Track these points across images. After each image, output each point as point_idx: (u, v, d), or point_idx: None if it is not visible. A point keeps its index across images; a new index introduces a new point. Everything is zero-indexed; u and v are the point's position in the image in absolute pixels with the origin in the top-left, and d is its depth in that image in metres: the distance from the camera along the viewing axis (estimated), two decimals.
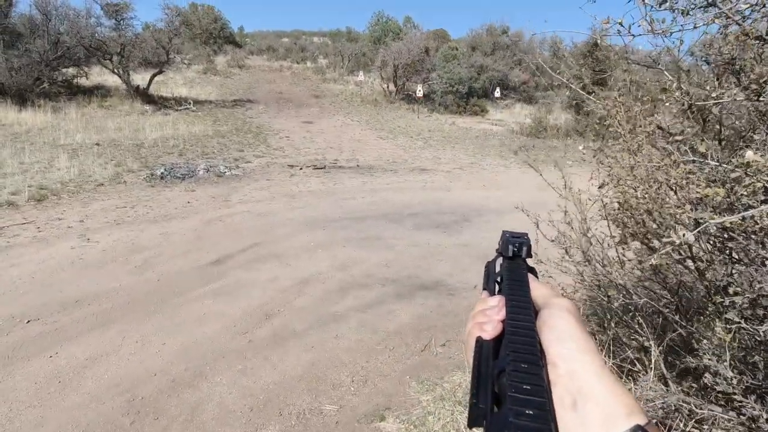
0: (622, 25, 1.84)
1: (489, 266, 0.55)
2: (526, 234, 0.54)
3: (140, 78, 18.50)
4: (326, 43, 42.17)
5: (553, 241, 2.38)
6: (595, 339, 2.65)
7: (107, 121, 13.56)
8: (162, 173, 8.57)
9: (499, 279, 0.51)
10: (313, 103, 20.43)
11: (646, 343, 2.01)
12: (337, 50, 29.79)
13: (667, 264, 1.77)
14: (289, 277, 4.23)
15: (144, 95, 17.42)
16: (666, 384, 2.11)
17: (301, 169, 9.76)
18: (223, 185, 8.08)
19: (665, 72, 2.21)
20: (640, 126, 1.94)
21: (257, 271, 4.33)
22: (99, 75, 19.39)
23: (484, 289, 0.52)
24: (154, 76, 17.89)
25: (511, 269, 0.50)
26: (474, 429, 0.33)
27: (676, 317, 1.93)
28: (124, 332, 3.21)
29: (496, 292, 0.50)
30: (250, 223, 5.85)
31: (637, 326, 2.02)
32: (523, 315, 0.42)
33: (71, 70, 17.21)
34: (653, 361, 1.94)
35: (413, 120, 17.87)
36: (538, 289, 0.47)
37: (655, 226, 1.78)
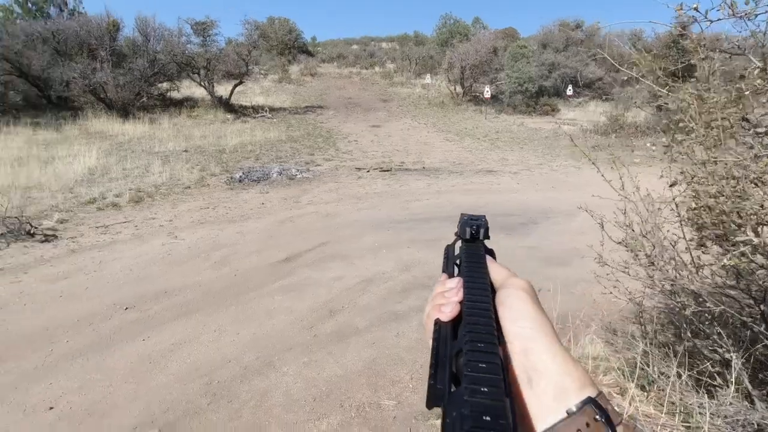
0: (697, 11, 1.71)
1: (448, 249, 0.56)
2: (484, 216, 0.55)
3: (223, 89, 19.88)
4: (394, 48, 42.61)
5: (620, 243, 2.25)
6: (670, 349, 2.47)
7: (194, 129, 14.71)
8: (240, 177, 9.15)
9: (458, 261, 0.51)
10: (381, 107, 20.74)
11: (727, 355, 1.84)
12: (404, 54, 30.00)
13: (749, 268, 1.61)
14: (353, 276, 4.35)
15: (226, 105, 18.70)
16: (751, 401, 1.92)
17: (368, 171, 9.97)
18: (294, 187, 8.47)
19: (752, 58, 2.02)
20: (716, 119, 1.79)
21: (324, 270, 4.50)
22: (188, 88, 21.11)
23: (443, 271, 0.53)
24: (235, 86, 19.14)
25: (469, 252, 0.50)
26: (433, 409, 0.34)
27: (762, 328, 1.75)
28: (204, 322, 3.49)
29: (455, 275, 0.50)
30: (318, 223, 6.08)
31: (716, 337, 1.86)
32: (480, 296, 0.42)
33: (165, 85, 18.91)
34: (734, 375, 1.77)
35: (480, 121, 17.54)
36: (495, 271, 0.48)
37: (734, 227, 1.63)
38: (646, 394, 2.42)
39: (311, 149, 12.45)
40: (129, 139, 13.10)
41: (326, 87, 25.47)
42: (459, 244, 0.54)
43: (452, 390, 0.34)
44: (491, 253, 0.53)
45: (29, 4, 20.67)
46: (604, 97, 21.74)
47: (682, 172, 1.93)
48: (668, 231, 2.27)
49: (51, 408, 2.58)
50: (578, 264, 4.68)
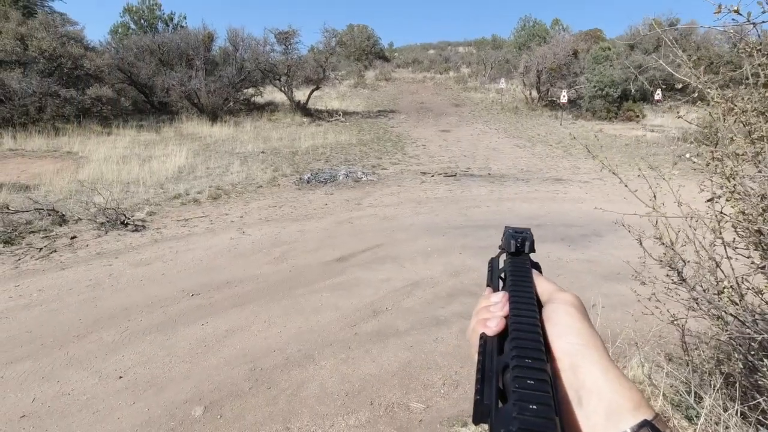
0: (738, 13, 1.57)
1: (492, 262, 0.55)
2: (529, 229, 0.53)
3: (301, 94, 20.89)
4: (471, 52, 42.04)
5: (660, 261, 2.10)
6: (720, 374, 2.25)
7: (272, 132, 15.60)
8: (308, 178, 9.57)
9: (502, 275, 0.51)
10: (452, 112, 20.58)
11: None
12: (479, 58, 29.50)
13: None
14: (401, 278, 4.41)
15: (303, 109, 19.62)
16: None
17: (432, 176, 9.97)
18: (358, 190, 8.70)
19: None
20: (758, 129, 1.62)
21: (374, 271, 4.61)
22: (270, 93, 22.44)
23: (488, 285, 0.52)
24: (312, 91, 20.02)
25: (515, 265, 0.49)
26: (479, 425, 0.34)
27: None
28: (257, 312, 3.74)
29: (500, 288, 0.49)
30: (376, 225, 6.21)
31: (766, 369, 1.66)
32: (526, 310, 0.41)
33: (250, 90, 20.28)
34: None
35: (555, 127, 16.79)
36: (542, 285, 0.46)
37: None
38: (694, 426, 2.22)
39: (379, 153, 12.68)
40: (215, 141, 14.19)
41: (399, 92, 25.77)
42: (504, 257, 0.53)
43: (499, 406, 0.33)
44: (537, 266, 0.52)
45: (142, 21, 23.18)
46: (697, 102, 19.81)
47: (722, 187, 1.76)
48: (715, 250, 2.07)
49: (120, 377, 2.92)
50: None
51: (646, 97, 19.81)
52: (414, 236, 5.74)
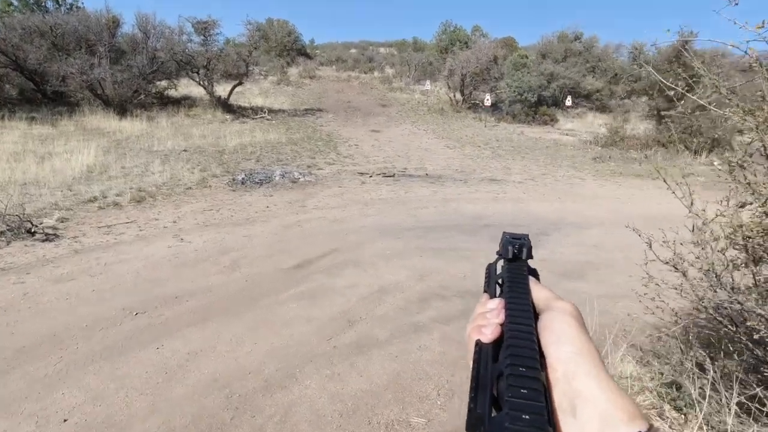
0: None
1: (490, 268, 0.54)
2: (527, 235, 0.53)
3: (221, 89, 19.74)
4: (392, 53, 42.71)
5: (667, 263, 2.20)
6: (715, 370, 2.42)
7: (193, 129, 14.55)
8: (242, 179, 9.03)
9: (500, 281, 0.50)
10: (380, 112, 20.72)
11: None
12: (403, 60, 30.06)
13: None
14: (367, 284, 4.27)
15: (225, 105, 18.55)
16: None
17: (370, 176, 9.90)
18: (298, 191, 8.37)
19: None
20: None
21: (337, 277, 4.42)
22: (186, 87, 20.93)
23: (484, 291, 0.51)
24: (234, 87, 19.00)
25: (512, 271, 0.49)
26: None
27: None
28: (219, 330, 3.39)
29: (497, 295, 0.49)
30: (326, 229, 5.99)
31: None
32: (522, 318, 0.41)
33: (163, 83, 18.72)
34: None
35: (480, 129, 17.59)
36: (539, 292, 0.46)
37: None
38: (684, 417, 2.37)
39: (312, 152, 12.36)
40: (127, 137, 12.91)
41: (325, 90, 25.41)
42: (501, 263, 0.53)
43: (492, 415, 0.33)
44: (534, 273, 0.51)
45: None
46: (602, 109, 21.95)
47: (754, 193, 1.89)
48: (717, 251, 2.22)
49: (65, 420, 2.46)
50: (595, 278, 4.66)
51: (557, 103, 21.51)
52: (369, 239, 5.62)
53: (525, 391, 0.33)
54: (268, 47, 30.33)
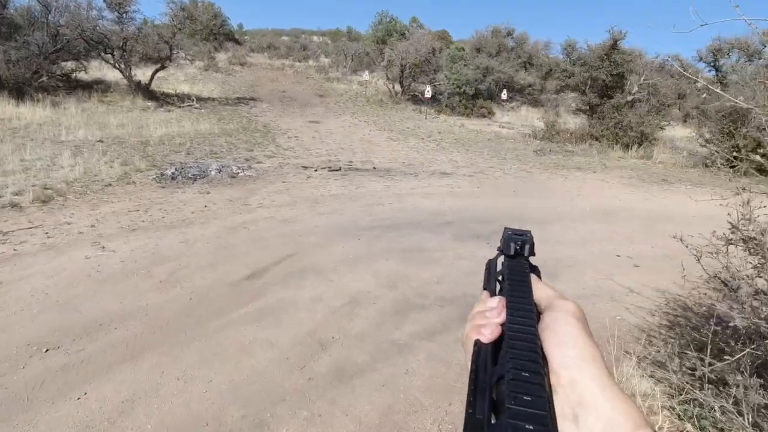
0: None
1: (490, 264, 0.52)
2: (529, 231, 0.51)
3: (141, 73, 17.91)
4: (326, 42, 41.66)
5: (715, 277, 1.94)
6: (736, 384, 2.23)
7: (109, 117, 13.00)
8: (173, 173, 8.05)
9: (500, 278, 0.49)
10: (318, 103, 19.94)
11: None
12: (339, 49, 29.28)
13: None
14: (334, 296, 3.77)
15: (146, 91, 16.84)
16: None
17: (315, 170, 9.30)
18: (238, 187, 7.59)
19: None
20: None
21: (298, 289, 3.86)
22: (98, 70, 18.75)
23: (484, 288, 0.49)
24: (156, 71, 17.30)
25: (513, 268, 0.47)
26: None
27: None
28: (161, 365, 2.73)
29: (497, 292, 0.47)
30: (277, 230, 5.37)
31: None
32: (524, 318, 0.39)
33: (70, 64, 16.55)
34: None
35: (421, 121, 17.45)
36: (541, 290, 0.44)
37: None
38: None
39: (249, 144, 11.46)
40: (26, 125, 11.21)
41: (257, 78, 24.05)
42: (501, 259, 0.50)
43: (492, 421, 0.31)
44: (536, 270, 0.49)
45: None
46: (534, 103, 22.78)
47: None
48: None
49: None
50: (567, 277, 4.50)
51: (492, 96, 21.98)
52: (326, 241, 5.09)
53: (529, 398, 0.31)
54: (192, 30, 28.15)
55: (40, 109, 12.87)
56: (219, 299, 3.59)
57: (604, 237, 5.82)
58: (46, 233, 5.00)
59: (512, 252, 0.49)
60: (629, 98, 12.71)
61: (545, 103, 22.43)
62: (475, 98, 20.04)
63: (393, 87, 20.88)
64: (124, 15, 15.70)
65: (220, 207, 6.33)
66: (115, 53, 16.07)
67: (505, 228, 0.53)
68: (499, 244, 0.51)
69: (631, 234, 6.00)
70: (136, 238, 4.94)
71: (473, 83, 19.55)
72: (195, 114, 15.23)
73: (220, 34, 32.25)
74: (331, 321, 3.35)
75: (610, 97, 13.07)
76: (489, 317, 0.41)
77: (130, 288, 3.72)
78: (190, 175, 8.11)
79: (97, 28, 15.28)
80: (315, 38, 45.18)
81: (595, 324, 3.12)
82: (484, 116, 19.42)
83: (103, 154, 8.96)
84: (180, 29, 16.83)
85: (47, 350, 2.84)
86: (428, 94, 17.60)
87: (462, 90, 19.09)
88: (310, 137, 13.22)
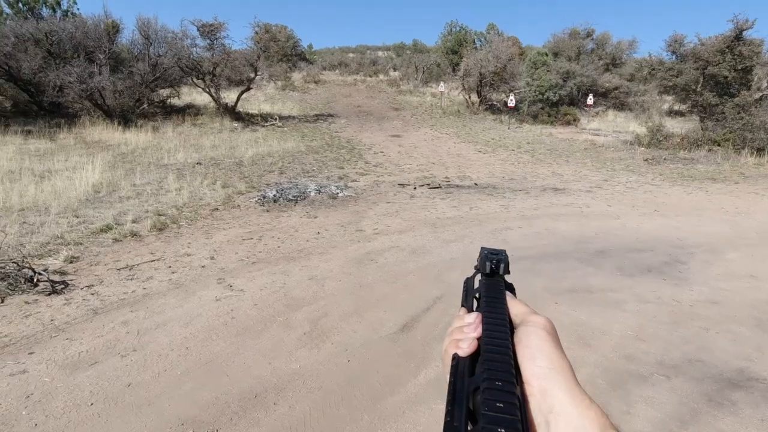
0: None
1: (468, 282, 0.54)
2: (504, 251, 0.52)
3: (225, 96, 18.36)
4: (390, 56, 41.52)
5: None
6: None
7: (202, 138, 13.21)
8: (274, 196, 7.67)
9: (477, 295, 0.49)
10: (394, 116, 19.42)
11: None
12: (409, 62, 28.79)
13: None
14: None
15: (232, 112, 17.15)
16: None
17: (415, 188, 8.60)
18: (342, 209, 7.04)
19: None
20: None
21: None
22: (188, 95, 19.50)
23: (462, 305, 0.51)
24: (242, 93, 17.59)
25: (489, 286, 0.49)
26: None
27: None
28: None
29: (474, 309, 0.48)
30: (409, 264, 4.66)
31: None
32: (498, 332, 0.41)
33: (166, 91, 17.27)
34: None
35: (504, 131, 16.34)
36: (515, 307, 0.45)
37: None
38: None
39: (338, 162, 11.02)
40: (132, 150, 11.52)
41: (332, 95, 24.06)
42: (478, 277, 0.52)
43: (469, 429, 0.32)
44: (511, 288, 0.51)
45: (20, 4, 18.81)
46: (620, 107, 20.86)
47: None
48: None
49: None
50: None
51: (573, 102, 20.35)
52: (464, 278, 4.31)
53: (501, 405, 0.32)
54: (270, 52, 28.96)
55: (143, 134, 13.32)
56: (382, 362, 2.90)
57: None
58: (170, 267, 4.64)
59: (488, 270, 0.50)
60: (757, 95, 10.88)
61: (633, 106, 20.44)
62: (557, 105, 18.60)
63: (469, 97, 19.92)
64: (215, 41, 16.09)
65: (333, 234, 5.76)
66: (205, 78, 16.51)
67: (482, 247, 0.53)
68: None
69: None
70: (260, 273, 4.43)
71: (556, 89, 18.15)
72: (279, 132, 15.21)
73: (294, 55, 32.99)
74: None
75: (731, 96, 11.28)
76: (466, 332, 0.42)
77: (274, 343, 3.13)
78: (290, 197, 7.71)
79: (191, 55, 15.75)
80: (380, 53, 45.29)
81: None
82: (569, 123, 17.92)
83: (203, 177, 8.83)
84: (264, 51, 17.04)
85: None
86: (511, 103, 16.46)
87: (545, 96, 17.75)
88: (395, 152, 12.62)
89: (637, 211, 6.61)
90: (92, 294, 4.00)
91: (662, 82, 12.67)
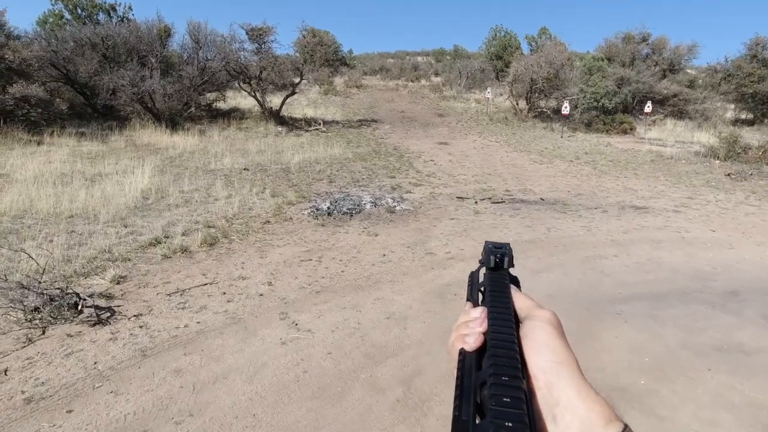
0: None
1: (473, 276, 0.53)
2: (508, 244, 0.51)
3: (270, 99, 18.05)
4: (430, 62, 40.74)
5: None
6: None
7: (248, 143, 12.84)
8: (328, 208, 7.05)
9: (482, 289, 0.49)
10: (439, 122, 18.62)
11: None
12: (452, 67, 27.91)
13: None
14: None
15: (276, 117, 16.81)
16: None
17: (475, 202, 7.80)
18: (403, 226, 6.33)
19: None
20: None
21: None
22: (233, 99, 19.36)
23: (467, 299, 0.50)
24: (286, 97, 17.24)
25: (494, 280, 0.48)
26: None
27: None
28: None
29: (479, 303, 0.47)
30: None
31: None
32: (504, 327, 0.40)
33: (212, 95, 17.13)
34: None
35: (557, 140, 15.25)
36: (520, 300, 0.45)
37: None
38: None
39: (388, 170, 10.34)
40: (180, 153, 11.22)
41: (374, 99, 23.50)
42: (483, 271, 0.51)
43: (476, 422, 0.32)
44: (516, 281, 0.49)
45: (78, 10, 19.20)
46: (679, 115, 19.32)
47: None
48: None
49: None
50: None
51: (627, 109, 18.98)
52: (580, 325, 3.49)
53: (508, 399, 0.32)
54: (315, 56, 28.79)
55: (190, 137, 13.08)
56: None
57: None
58: (224, 294, 4.05)
59: (492, 264, 0.48)
60: None
61: (693, 114, 18.87)
62: (612, 113, 17.32)
63: (517, 104, 18.89)
64: (263, 45, 15.78)
65: (400, 256, 5.06)
66: (252, 82, 16.24)
67: (486, 242, 0.52)
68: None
69: None
70: (327, 307, 3.76)
71: (611, 96, 16.90)
72: (323, 137, 14.69)
73: (335, 60, 32.72)
74: None
75: None
76: (472, 327, 0.41)
77: (360, 413, 2.43)
78: (345, 210, 7.06)
79: (239, 59, 15.50)
80: (419, 59, 44.58)
81: None
82: (626, 132, 16.63)
83: (251, 184, 8.33)
84: (311, 55, 16.62)
85: None
86: (566, 111, 15.36)
87: (600, 104, 16.53)
88: (446, 161, 11.83)
89: (752, 240, 5.57)
90: (140, 327, 3.44)
91: (740, 89, 11.35)
